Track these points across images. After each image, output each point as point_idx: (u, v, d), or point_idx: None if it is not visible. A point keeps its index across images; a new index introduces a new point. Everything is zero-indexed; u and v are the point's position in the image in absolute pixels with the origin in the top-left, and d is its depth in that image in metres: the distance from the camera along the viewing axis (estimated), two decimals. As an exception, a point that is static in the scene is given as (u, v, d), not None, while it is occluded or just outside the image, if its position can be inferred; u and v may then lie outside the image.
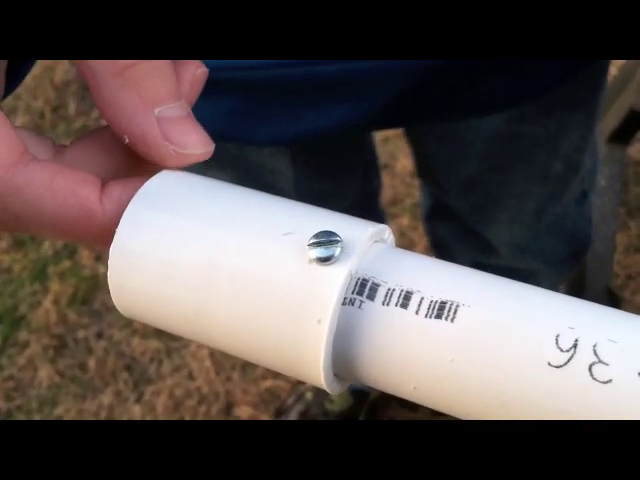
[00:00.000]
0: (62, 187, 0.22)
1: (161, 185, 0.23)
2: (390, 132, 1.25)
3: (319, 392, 1.03)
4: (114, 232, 0.22)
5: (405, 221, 1.16)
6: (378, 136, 1.24)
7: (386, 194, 1.18)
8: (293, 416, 1.02)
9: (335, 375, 0.22)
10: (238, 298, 0.21)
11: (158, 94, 0.22)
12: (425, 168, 0.65)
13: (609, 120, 1.00)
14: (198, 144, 0.23)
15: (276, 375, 1.07)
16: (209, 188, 0.23)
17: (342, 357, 0.21)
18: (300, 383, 1.05)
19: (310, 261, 0.20)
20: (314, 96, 0.42)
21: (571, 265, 0.74)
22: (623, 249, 1.08)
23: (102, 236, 0.23)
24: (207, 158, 0.24)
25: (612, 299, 0.96)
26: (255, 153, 0.53)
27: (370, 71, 0.40)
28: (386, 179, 1.20)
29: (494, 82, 0.44)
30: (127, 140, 0.23)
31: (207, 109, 0.40)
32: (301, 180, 0.56)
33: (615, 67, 1.08)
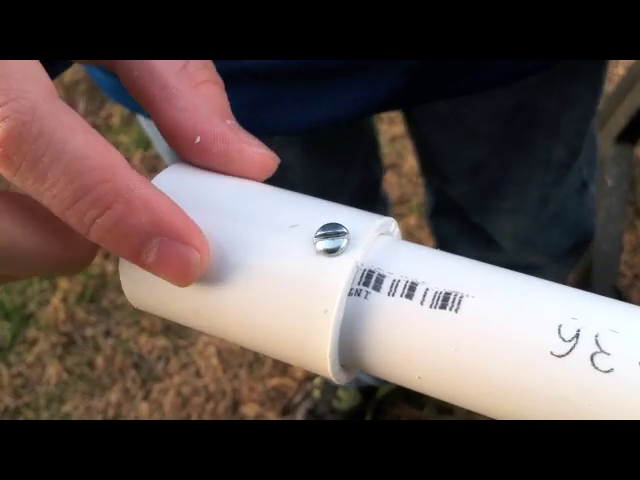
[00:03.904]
0: None
1: (169, 178, 0.23)
2: (397, 131, 1.25)
3: (326, 390, 1.04)
4: None
5: (412, 220, 1.17)
6: (385, 136, 1.24)
7: (393, 194, 1.18)
8: (300, 414, 1.03)
9: (341, 365, 0.22)
10: (246, 289, 0.21)
11: (226, 108, 0.24)
12: (429, 160, 0.65)
13: (617, 120, 1.00)
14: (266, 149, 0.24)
15: (283, 373, 1.07)
16: (216, 181, 0.23)
17: (348, 347, 0.21)
18: (307, 381, 1.06)
19: (317, 252, 0.20)
20: (332, 80, 0.42)
21: (574, 258, 0.75)
22: (630, 249, 1.09)
23: None
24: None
25: (618, 299, 0.96)
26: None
27: None
28: (393, 179, 1.21)
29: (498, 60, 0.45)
30: (198, 140, 0.23)
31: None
32: (309, 170, 0.57)
33: (623, 67, 1.08)
